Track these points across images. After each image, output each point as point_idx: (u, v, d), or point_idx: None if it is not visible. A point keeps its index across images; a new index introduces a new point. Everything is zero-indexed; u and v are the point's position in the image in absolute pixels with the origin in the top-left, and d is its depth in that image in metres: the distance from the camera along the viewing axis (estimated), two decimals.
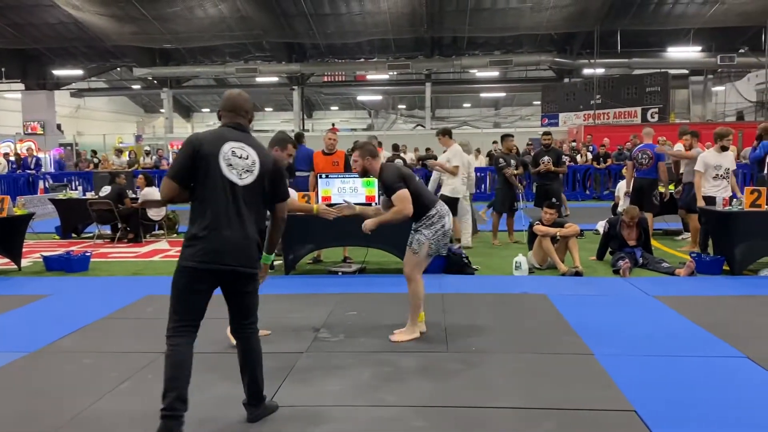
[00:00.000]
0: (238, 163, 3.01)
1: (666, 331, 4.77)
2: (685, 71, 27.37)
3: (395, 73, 27.57)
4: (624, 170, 14.22)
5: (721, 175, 7.50)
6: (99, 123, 33.65)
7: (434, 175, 9.10)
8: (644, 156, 8.63)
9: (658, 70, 24.27)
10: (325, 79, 31.42)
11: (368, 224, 4.50)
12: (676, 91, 28.04)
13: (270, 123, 37.10)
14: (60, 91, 30.18)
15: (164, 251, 9.13)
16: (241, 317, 3.12)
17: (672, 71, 24.87)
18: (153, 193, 10.08)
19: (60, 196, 11.42)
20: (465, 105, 38.68)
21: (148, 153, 20.30)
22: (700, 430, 3.09)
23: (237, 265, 2.97)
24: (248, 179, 3.02)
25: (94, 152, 22.34)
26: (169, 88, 29.47)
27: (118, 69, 30.92)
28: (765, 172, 7.34)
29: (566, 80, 27.69)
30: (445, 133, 8.85)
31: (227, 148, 3.00)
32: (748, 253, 6.89)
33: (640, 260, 7.24)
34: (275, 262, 6.91)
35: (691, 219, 8.45)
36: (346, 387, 3.69)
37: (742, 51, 24.78)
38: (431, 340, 4.60)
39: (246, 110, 3.18)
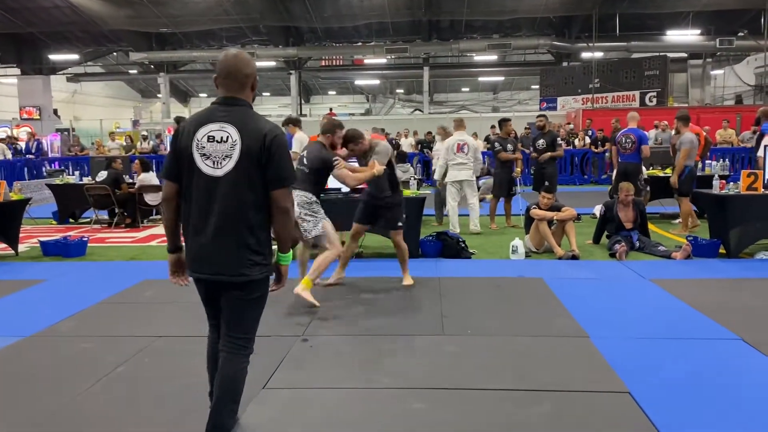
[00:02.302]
0: (215, 150, 2.53)
1: (661, 314, 4.80)
2: (684, 55, 27.25)
3: (393, 57, 27.38)
4: (607, 155, 14.25)
5: None
6: (96, 108, 33.48)
7: (440, 161, 9.17)
8: (627, 140, 8.59)
9: (657, 54, 24.15)
10: (323, 63, 31.21)
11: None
12: (675, 74, 27.93)
13: (267, 108, 36.91)
14: (56, 75, 29.99)
15: (161, 236, 9.12)
16: (226, 328, 2.69)
17: (671, 55, 24.74)
18: (150, 178, 10.08)
19: (57, 181, 11.42)
20: (463, 89, 38.54)
21: (145, 138, 20.21)
22: (694, 412, 3.10)
23: (214, 274, 2.59)
24: (228, 166, 2.53)
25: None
26: (166, 72, 29.27)
27: (114, 54, 30.73)
28: (759, 153, 7.31)
29: (564, 64, 27.53)
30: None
31: (202, 134, 2.55)
32: (744, 237, 6.90)
33: (637, 243, 7.26)
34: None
35: (683, 202, 8.48)
36: (343, 370, 3.71)
37: (741, 34, 24.63)
38: (426, 322, 4.62)
39: (245, 75, 2.62)
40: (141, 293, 5.70)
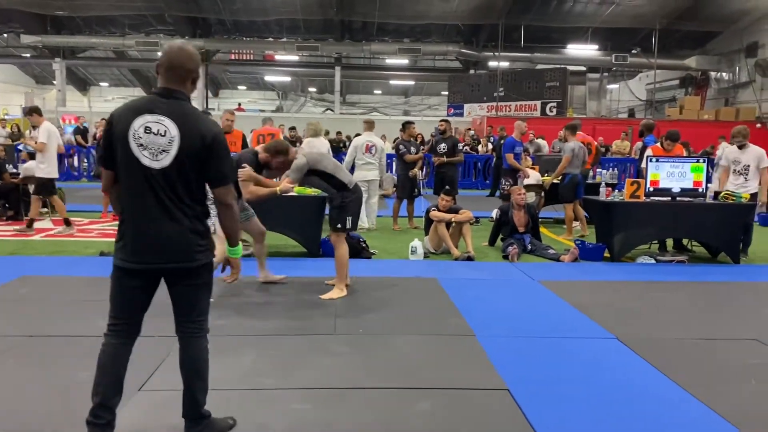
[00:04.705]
0: (153, 142, 2.49)
1: (546, 314, 4.99)
2: (583, 68, 28.69)
3: (305, 54, 27.20)
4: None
5: (739, 171, 7.61)
6: None
7: (347, 158, 9.22)
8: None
9: (558, 66, 25.29)
10: (232, 57, 30.51)
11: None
12: (575, 87, 29.37)
13: None
14: None
15: (47, 230, 8.59)
16: (181, 315, 2.72)
17: (571, 68, 26.01)
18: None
19: None
20: (376, 92, 38.80)
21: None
22: (568, 407, 3.23)
23: (165, 262, 2.57)
24: (165, 161, 2.49)
25: None
26: (62, 58, 27.66)
27: (5, 35, 28.65)
28: (643, 165, 7.80)
29: (472, 72, 28.34)
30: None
31: (139, 124, 2.49)
32: (626, 242, 7.31)
33: (529, 246, 7.55)
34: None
35: (566, 208, 8.94)
36: (227, 371, 3.60)
37: (634, 52, 26.25)
38: (319, 322, 4.59)
39: (187, 69, 2.58)
40: (17, 290, 5.34)
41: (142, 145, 2.49)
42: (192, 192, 2.59)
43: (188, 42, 2.65)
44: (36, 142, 8.32)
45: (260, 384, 3.43)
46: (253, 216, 5.52)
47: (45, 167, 8.23)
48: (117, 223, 2.66)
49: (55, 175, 8.47)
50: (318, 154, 5.69)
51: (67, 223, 8.48)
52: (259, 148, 5.34)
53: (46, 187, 8.33)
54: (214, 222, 5.02)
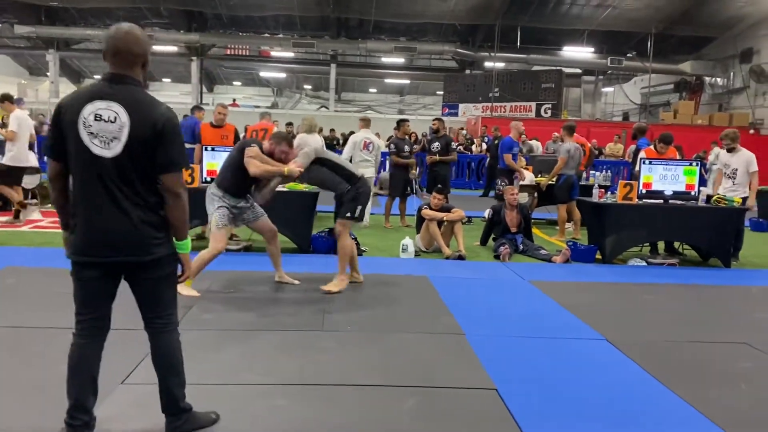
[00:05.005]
0: (103, 129, 2.39)
1: (536, 314, 4.97)
2: (579, 71, 28.72)
3: (300, 51, 27.11)
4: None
5: (729, 175, 7.64)
6: None
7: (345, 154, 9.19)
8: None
9: (553, 68, 25.30)
10: (228, 52, 30.37)
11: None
12: (570, 89, 29.39)
13: (168, 95, 35.42)
14: None
15: (36, 221, 8.51)
16: (145, 310, 2.62)
17: (567, 70, 26.02)
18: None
19: None
20: (371, 90, 38.70)
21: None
22: (556, 407, 3.20)
23: (119, 256, 2.46)
24: (116, 148, 2.40)
25: None
26: (56, 50, 27.46)
27: None
28: (637, 168, 7.79)
29: (467, 72, 28.31)
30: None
31: (88, 111, 2.40)
32: (618, 244, 7.30)
33: (521, 246, 7.52)
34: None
35: (560, 209, 8.93)
36: (211, 365, 3.56)
37: (630, 55, 26.27)
38: (307, 318, 4.55)
39: (135, 54, 2.48)
40: (2, 280, 5.29)
41: (92, 133, 2.40)
42: (146, 181, 2.48)
43: (135, 25, 2.55)
44: (6, 131, 8.20)
45: (244, 379, 3.39)
46: (263, 215, 5.35)
47: (12, 155, 8.12)
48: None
49: (26, 163, 8.35)
50: (320, 149, 5.62)
51: (17, 215, 8.36)
52: (265, 142, 5.23)
53: (11, 176, 8.22)
54: (211, 220, 4.99)
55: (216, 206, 5.04)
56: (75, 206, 2.49)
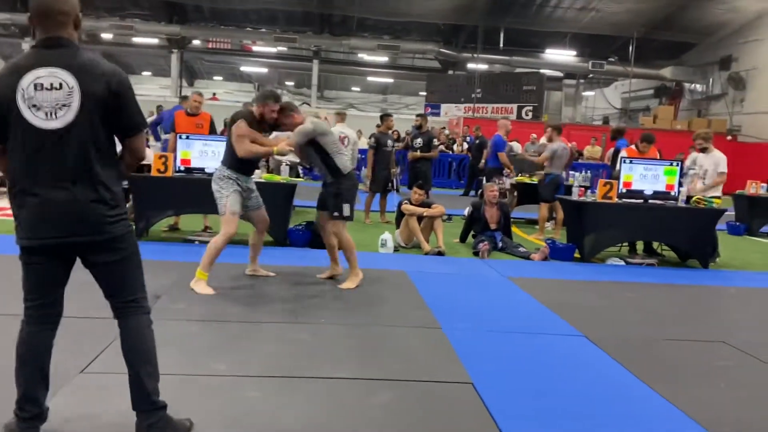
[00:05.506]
0: (47, 99, 2.20)
1: (514, 310, 4.90)
2: (560, 74, 28.86)
3: (283, 46, 26.90)
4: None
5: (700, 175, 7.64)
6: None
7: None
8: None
9: (535, 70, 25.40)
10: (210, 45, 30.02)
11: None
12: (551, 93, 29.55)
13: (147, 88, 34.92)
14: None
15: (4, 209, 8.27)
16: (108, 295, 2.43)
17: (548, 73, 26.14)
18: None
19: None
20: (354, 88, 38.57)
21: None
22: (532, 402, 3.13)
23: (68, 236, 2.27)
24: (67, 116, 2.20)
25: None
26: (33, 38, 26.77)
27: None
28: (617, 168, 7.77)
29: (450, 72, 28.30)
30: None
31: (27, 82, 2.19)
32: (596, 242, 7.26)
33: (500, 244, 7.46)
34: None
35: (542, 207, 8.90)
36: (180, 356, 3.42)
37: (611, 59, 26.48)
38: (281, 311, 4.44)
39: (62, 12, 2.26)
40: None
41: (35, 105, 2.20)
42: (100, 151, 2.30)
43: None
44: None
45: (213, 370, 3.26)
46: (262, 206, 5.18)
47: None
48: None
49: None
50: (328, 127, 5.29)
51: None
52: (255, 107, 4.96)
53: None
54: (223, 204, 4.78)
55: (231, 190, 4.83)
56: (16, 186, 2.30)
